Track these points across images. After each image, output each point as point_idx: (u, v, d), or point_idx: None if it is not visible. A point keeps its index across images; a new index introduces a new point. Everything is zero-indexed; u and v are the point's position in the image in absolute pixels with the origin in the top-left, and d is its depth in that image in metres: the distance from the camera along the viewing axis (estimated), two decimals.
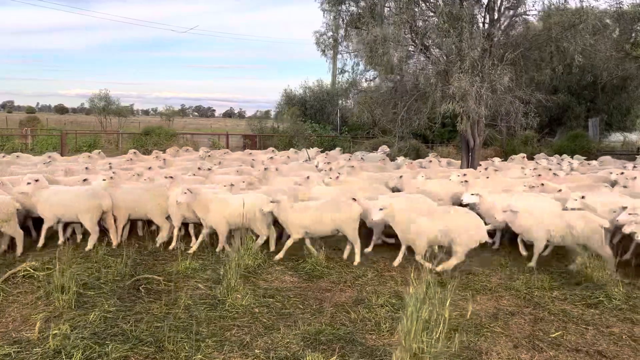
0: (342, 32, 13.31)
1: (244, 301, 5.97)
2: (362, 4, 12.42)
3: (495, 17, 12.34)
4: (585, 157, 15.29)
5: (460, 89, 10.21)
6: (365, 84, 14.99)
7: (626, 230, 7.29)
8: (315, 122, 34.20)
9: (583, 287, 6.89)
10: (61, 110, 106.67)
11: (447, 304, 3.91)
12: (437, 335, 3.76)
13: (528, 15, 13.43)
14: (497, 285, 7.04)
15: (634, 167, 12.28)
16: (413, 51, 11.80)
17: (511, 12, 12.66)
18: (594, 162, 14.73)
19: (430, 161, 13.92)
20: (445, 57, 11.78)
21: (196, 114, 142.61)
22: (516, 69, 12.73)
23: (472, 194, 8.60)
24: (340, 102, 32.44)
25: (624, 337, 5.43)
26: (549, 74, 13.84)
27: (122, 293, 6.16)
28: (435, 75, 11.71)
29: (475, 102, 10.44)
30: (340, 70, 17.18)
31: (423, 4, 11.55)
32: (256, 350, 4.83)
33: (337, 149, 19.24)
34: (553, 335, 5.41)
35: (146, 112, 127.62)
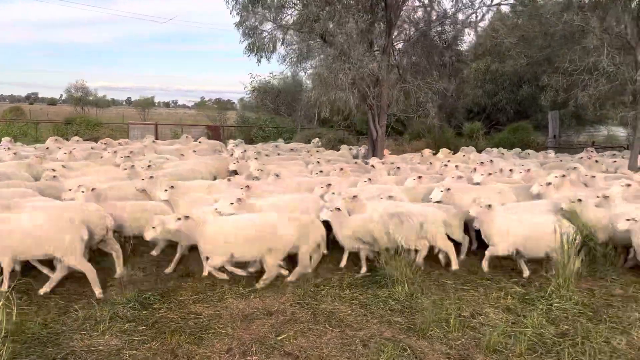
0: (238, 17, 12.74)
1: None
2: None
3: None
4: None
5: (319, 76, 9.76)
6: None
7: None
8: (287, 113, 33.77)
9: (379, 287, 6.49)
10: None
11: None
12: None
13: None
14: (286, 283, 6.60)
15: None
16: (294, 36, 11.31)
17: None
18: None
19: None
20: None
21: (215, 106, 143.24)
22: (415, 53, 12.23)
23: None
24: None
25: (357, 340, 5.03)
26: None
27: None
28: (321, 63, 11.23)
29: (344, 90, 9.92)
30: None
31: None
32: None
33: (279, 139, 19.04)
34: (279, 338, 5.03)
35: (167, 105, 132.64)
